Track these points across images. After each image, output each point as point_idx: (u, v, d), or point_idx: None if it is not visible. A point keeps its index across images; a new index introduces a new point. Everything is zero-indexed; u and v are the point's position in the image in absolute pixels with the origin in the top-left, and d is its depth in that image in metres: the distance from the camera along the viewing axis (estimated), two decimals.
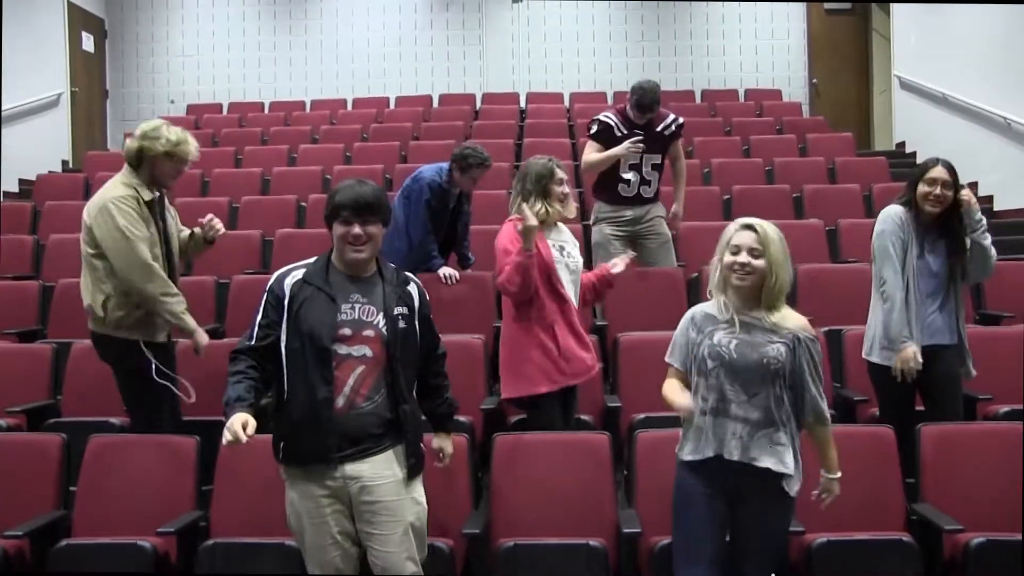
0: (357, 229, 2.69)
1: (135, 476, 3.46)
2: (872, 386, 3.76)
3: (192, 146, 3.65)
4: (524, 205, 3.51)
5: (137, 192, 3.54)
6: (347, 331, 2.67)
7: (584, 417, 3.88)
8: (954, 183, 3.54)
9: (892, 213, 3.59)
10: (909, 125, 9.04)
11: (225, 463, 3.41)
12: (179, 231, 3.79)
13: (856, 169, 7.19)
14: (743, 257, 2.62)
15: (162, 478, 3.45)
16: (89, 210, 3.58)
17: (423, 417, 2.88)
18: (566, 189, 3.65)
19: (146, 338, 3.55)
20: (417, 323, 2.80)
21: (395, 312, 2.72)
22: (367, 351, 2.67)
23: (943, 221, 3.57)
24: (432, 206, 4.70)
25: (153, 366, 3.51)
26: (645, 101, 4.89)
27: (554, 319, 3.50)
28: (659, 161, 5.05)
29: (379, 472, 2.67)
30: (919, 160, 7.96)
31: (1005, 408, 3.81)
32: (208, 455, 3.44)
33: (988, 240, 3.60)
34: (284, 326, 2.70)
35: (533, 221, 3.40)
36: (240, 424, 2.48)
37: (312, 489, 2.68)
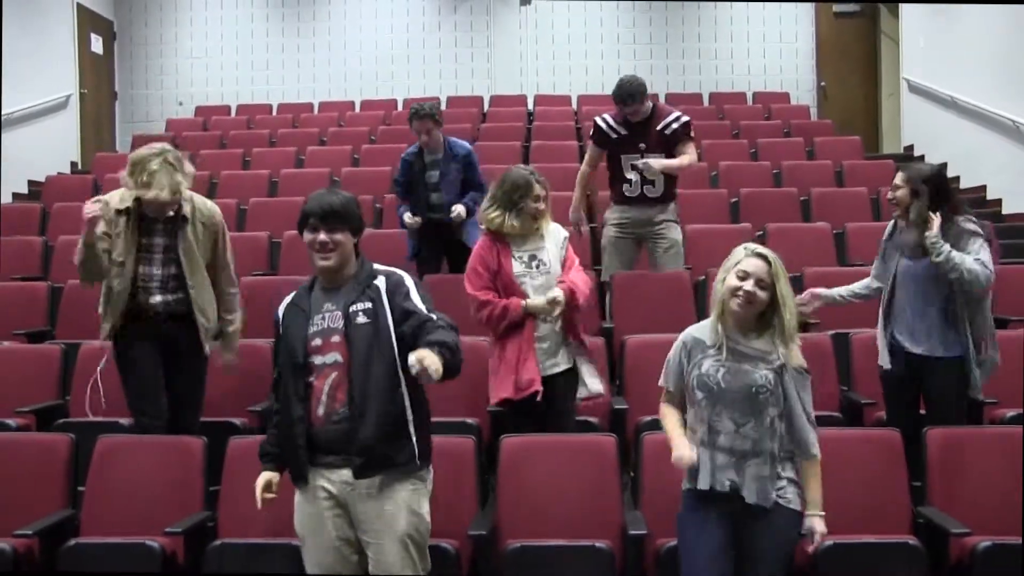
0: (323, 236, 2.71)
1: (143, 476, 3.48)
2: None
3: (153, 192, 3.51)
4: (496, 217, 3.53)
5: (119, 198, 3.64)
6: (318, 341, 2.70)
7: (590, 419, 3.88)
8: (909, 183, 3.56)
9: (888, 226, 3.78)
10: (917, 128, 9.02)
11: (233, 464, 3.42)
12: (221, 252, 3.81)
13: (864, 172, 7.17)
14: (749, 286, 2.59)
15: (170, 478, 3.47)
16: None
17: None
18: (542, 205, 3.59)
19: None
20: (388, 314, 2.67)
21: (351, 310, 2.68)
22: (337, 356, 2.68)
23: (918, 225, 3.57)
24: (402, 166, 5.17)
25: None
26: (618, 94, 4.86)
27: (511, 334, 3.53)
28: (662, 159, 4.92)
29: (373, 479, 2.65)
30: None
31: (1012, 412, 3.81)
32: (216, 456, 3.46)
33: (952, 262, 3.47)
34: (278, 342, 2.82)
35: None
36: (262, 484, 2.74)
37: (315, 494, 2.69)
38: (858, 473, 3.37)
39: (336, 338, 2.69)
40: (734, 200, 6.49)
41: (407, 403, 2.67)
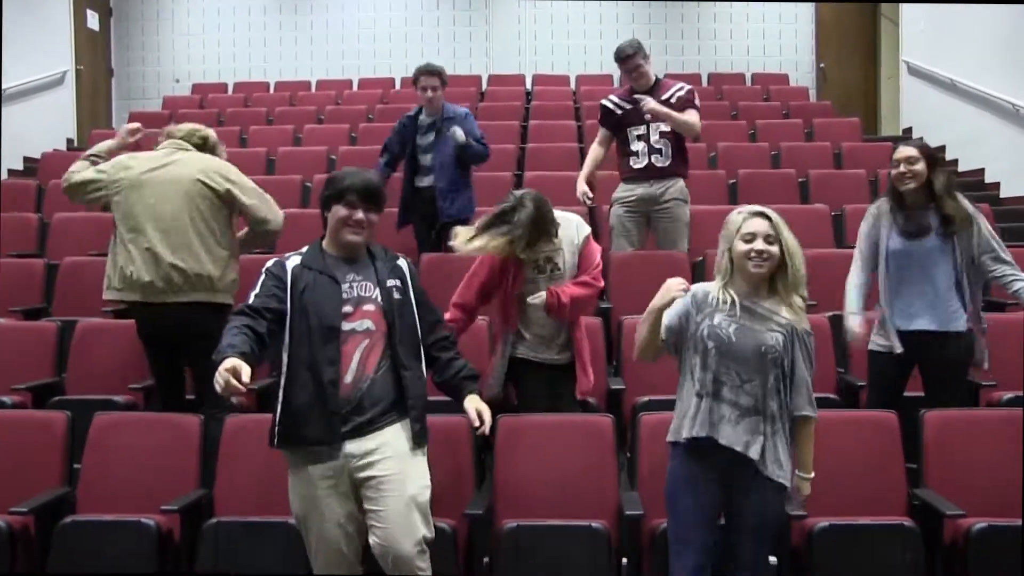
0: (360, 214, 2.76)
1: (139, 454, 3.48)
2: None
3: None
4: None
5: None
6: (349, 308, 2.73)
7: (589, 400, 3.87)
8: (925, 156, 3.53)
9: (869, 210, 3.69)
10: (916, 111, 8.99)
11: (229, 441, 3.42)
12: None
13: (863, 154, 7.15)
14: (760, 244, 2.61)
15: (166, 456, 3.46)
16: (218, 174, 3.79)
17: (444, 392, 2.94)
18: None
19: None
20: (412, 295, 2.85)
21: (388, 284, 2.80)
22: (369, 324, 2.73)
23: (929, 202, 3.53)
24: (396, 129, 5.26)
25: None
26: (619, 55, 4.88)
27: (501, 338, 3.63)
28: (668, 128, 4.89)
29: (382, 444, 2.68)
30: None
31: (1009, 395, 3.81)
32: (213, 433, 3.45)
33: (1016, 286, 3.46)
34: (289, 308, 2.70)
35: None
36: (230, 366, 2.41)
37: (314, 472, 2.68)
38: (854, 455, 3.38)
39: (369, 307, 2.75)
40: (732, 181, 6.47)
41: (434, 370, 2.91)
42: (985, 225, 3.54)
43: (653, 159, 4.89)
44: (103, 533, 3.18)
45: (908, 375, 3.66)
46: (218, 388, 2.41)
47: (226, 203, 3.77)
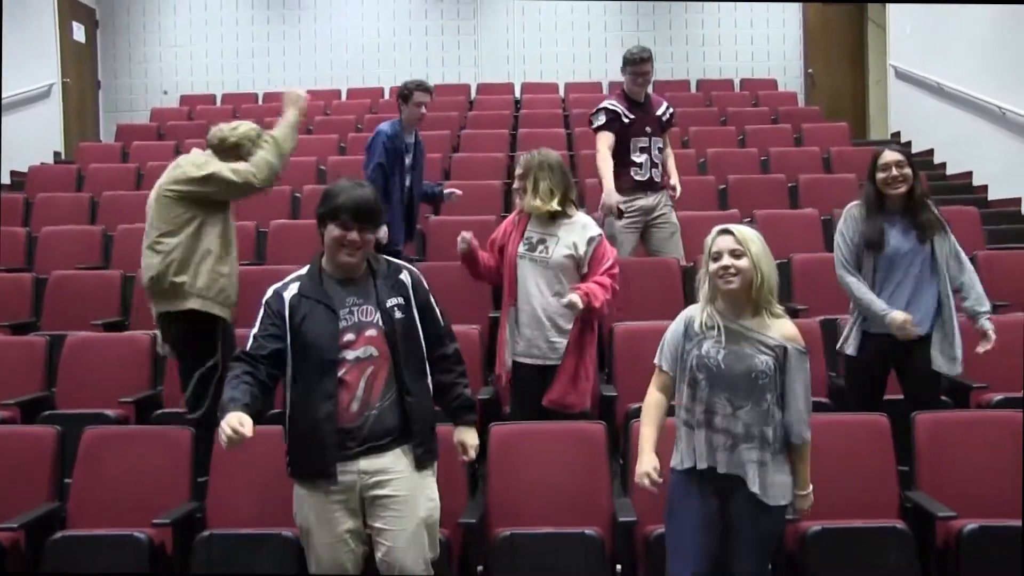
0: (355, 235, 2.68)
1: (130, 468, 3.45)
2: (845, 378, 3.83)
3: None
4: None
5: None
6: (351, 336, 2.67)
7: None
8: (909, 160, 3.59)
9: (844, 214, 3.70)
10: (904, 115, 9.03)
11: (221, 454, 3.40)
12: None
13: (851, 159, 7.17)
14: (725, 260, 2.62)
15: (158, 469, 3.44)
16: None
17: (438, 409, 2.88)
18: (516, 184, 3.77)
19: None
20: (416, 310, 2.78)
21: (388, 304, 2.71)
22: (373, 351, 2.68)
23: (910, 206, 3.58)
24: (387, 146, 4.90)
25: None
26: (633, 59, 4.91)
27: (505, 310, 3.72)
28: (663, 145, 5.03)
29: (391, 466, 2.66)
30: (915, 150, 8.02)
31: (999, 396, 3.83)
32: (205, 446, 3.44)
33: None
34: (288, 340, 2.67)
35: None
36: (236, 421, 2.43)
37: (322, 485, 2.67)
38: (846, 458, 3.38)
39: (372, 332, 2.68)
40: (722, 187, 6.49)
41: (432, 392, 2.83)
42: (950, 231, 3.64)
43: (653, 173, 4.97)
44: (94, 548, 3.16)
45: (886, 377, 3.69)
46: (223, 442, 2.43)
47: (193, 203, 3.62)
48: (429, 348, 2.81)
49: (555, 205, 3.62)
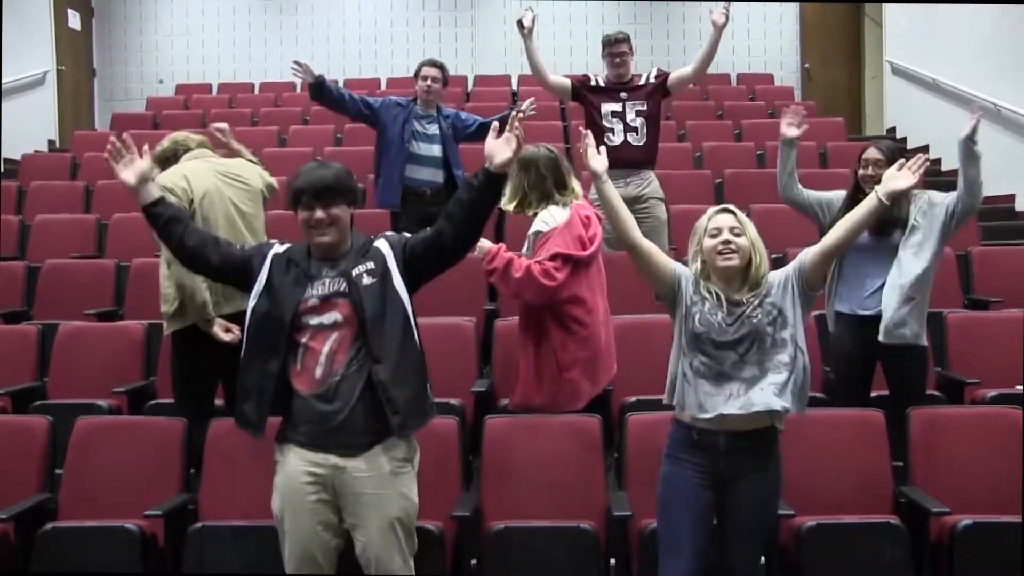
0: (320, 213, 2.65)
1: (122, 459, 3.44)
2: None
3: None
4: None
5: None
6: (315, 301, 2.65)
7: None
8: (889, 161, 3.53)
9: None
10: (900, 111, 9.04)
11: (214, 444, 3.39)
12: None
13: (847, 154, 7.13)
14: (726, 235, 2.64)
15: (149, 461, 3.43)
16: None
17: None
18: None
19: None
20: (395, 266, 2.69)
21: (355, 272, 2.67)
22: (337, 316, 2.65)
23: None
24: (387, 102, 5.14)
25: None
26: (607, 40, 4.99)
27: None
28: (644, 108, 4.87)
29: (366, 463, 2.64)
30: (910, 146, 8.02)
31: (993, 392, 3.83)
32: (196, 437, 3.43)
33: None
34: (259, 288, 2.69)
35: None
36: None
37: (298, 475, 2.65)
38: (840, 454, 3.38)
39: (339, 299, 2.66)
40: (718, 181, 6.48)
41: (422, 352, 2.73)
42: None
43: (629, 137, 4.85)
44: (85, 539, 3.15)
45: (871, 371, 3.71)
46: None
47: None
48: (432, 236, 2.71)
49: (510, 207, 3.56)
